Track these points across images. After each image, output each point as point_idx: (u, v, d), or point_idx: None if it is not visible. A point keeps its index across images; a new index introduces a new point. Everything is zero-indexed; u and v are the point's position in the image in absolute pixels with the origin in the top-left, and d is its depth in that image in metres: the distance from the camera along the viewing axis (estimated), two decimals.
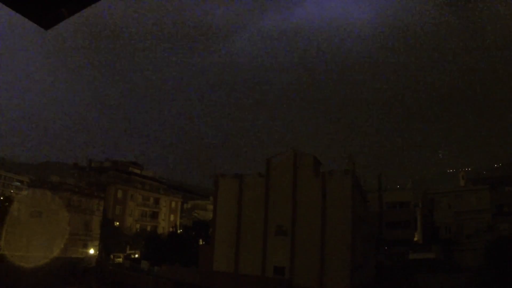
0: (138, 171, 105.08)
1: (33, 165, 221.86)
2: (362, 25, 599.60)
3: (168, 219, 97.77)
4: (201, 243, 68.49)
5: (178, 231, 79.04)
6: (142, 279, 53.65)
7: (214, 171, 56.15)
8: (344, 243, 45.42)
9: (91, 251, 77.11)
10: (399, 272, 52.84)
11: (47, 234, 68.04)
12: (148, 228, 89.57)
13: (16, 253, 60.22)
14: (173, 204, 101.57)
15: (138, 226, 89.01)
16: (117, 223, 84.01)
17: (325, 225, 46.74)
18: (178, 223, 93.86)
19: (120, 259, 69.94)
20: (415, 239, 77.51)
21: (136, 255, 75.00)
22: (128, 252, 77.20)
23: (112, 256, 71.02)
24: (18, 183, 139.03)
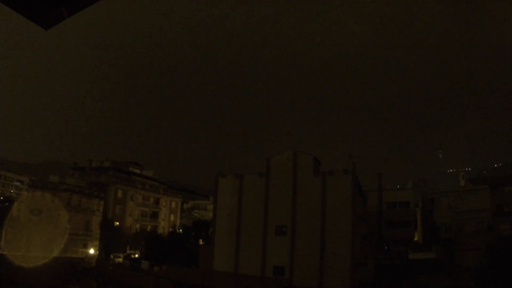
0: (138, 171, 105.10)
1: (33, 165, 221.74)
2: (363, 25, 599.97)
3: (168, 219, 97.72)
4: (201, 243, 68.48)
5: (178, 231, 79.04)
6: (142, 279, 53.64)
7: (214, 171, 55.96)
8: (344, 243, 45.44)
9: (91, 251, 77.07)
10: (399, 272, 52.80)
11: (47, 234, 68.00)
12: (148, 228, 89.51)
13: (16, 253, 60.21)
14: (173, 204, 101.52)
15: (138, 226, 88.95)
16: (117, 223, 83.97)
17: (325, 225, 46.78)
18: (178, 223, 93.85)
19: (120, 259, 69.90)
20: (415, 239, 77.48)
21: (136, 255, 74.96)
22: (128, 252, 77.15)
23: (112, 256, 70.98)
24: (18, 183, 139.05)
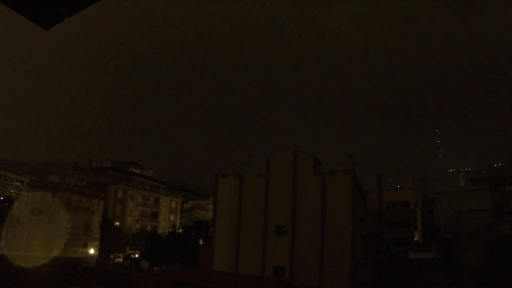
0: (138, 171, 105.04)
1: (33, 165, 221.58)
2: (362, 26, 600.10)
3: (168, 219, 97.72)
4: (201, 243, 68.45)
5: (178, 231, 79.02)
6: (142, 279, 53.64)
7: (214, 171, 56.00)
8: (344, 243, 45.43)
9: (91, 251, 77.06)
10: (399, 272, 52.76)
11: (47, 234, 68.00)
12: (148, 228, 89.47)
13: (16, 253, 60.25)
14: (173, 204, 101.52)
15: (138, 226, 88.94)
16: (117, 223, 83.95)
17: (325, 225, 46.77)
18: (178, 223, 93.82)
19: (120, 259, 69.85)
20: (415, 239, 77.48)
21: (136, 255, 74.93)
22: (128, 252, 77.14)
23: (112, 256, 70.94)
24: (18, 183, 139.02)
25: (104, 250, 74.98)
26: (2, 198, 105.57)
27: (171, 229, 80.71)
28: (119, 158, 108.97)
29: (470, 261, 52.33)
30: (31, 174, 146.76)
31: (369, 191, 73.12)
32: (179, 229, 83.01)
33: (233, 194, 52.52)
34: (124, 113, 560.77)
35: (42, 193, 74.01)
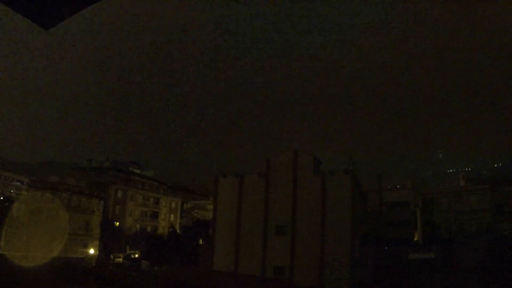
0: (138, 171, 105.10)
1: (33, 165, 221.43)
2: (361, 25, 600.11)
3: (168, 219, 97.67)
4: (201, 243, 68.50)
5: (178, 231, 79.07)
6: (142, 279, 53.64)
7: (215, 171, 56.30)
8: (344, 243, 45.47)
9: (91, 251, 77.06)
10: (399, 272, 52.79)
11: (47, 234, 68.02)
12: (148, 228, 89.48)
13: (16, 253, 60.25)
14: (173, 204, 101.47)
15: (138, 226, 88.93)
16: (117, 223, 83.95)
17: (325, 225, 46.79)
18: (178, 223, 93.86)
19: (120, 259, 69.82)
20: (415, 239, 77.49)
21: (136, 255, 74.94)
22: (128, 252, 77.14)
23: (112, 256, 70.94)
24: (18, 183, 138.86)
25: (104, 250, 75.00)
26: (2, 198, 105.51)
27: (171, 229, 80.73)
28: (119, 158, 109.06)
29: (470, 261, 52.36)
30: (31, 174, 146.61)
31: (369, 191, 73.11)
32: (179, 229, 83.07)
33: (233, 194, 52.52)
34: (124, 113, 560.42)
35: (42, 193, 74.01)
